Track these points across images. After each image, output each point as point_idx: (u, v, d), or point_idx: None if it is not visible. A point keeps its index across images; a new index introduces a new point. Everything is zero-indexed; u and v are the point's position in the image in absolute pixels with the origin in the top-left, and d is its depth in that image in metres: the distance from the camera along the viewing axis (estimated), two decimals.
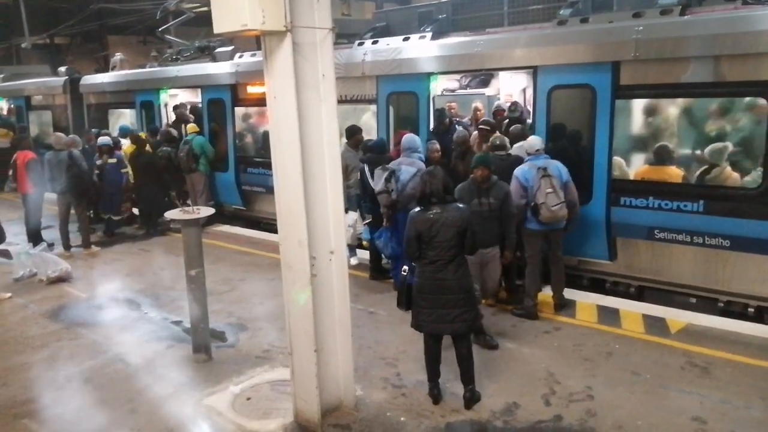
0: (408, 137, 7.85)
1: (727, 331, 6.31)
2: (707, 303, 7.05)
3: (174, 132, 12.40)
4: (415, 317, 5.18)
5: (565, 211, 6.67)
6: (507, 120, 8.85)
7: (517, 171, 6.80)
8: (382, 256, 8.11)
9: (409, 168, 7.45)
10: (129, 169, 11.55)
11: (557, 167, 6.76)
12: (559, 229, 6.84)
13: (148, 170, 11.44)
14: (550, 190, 6.57)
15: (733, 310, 6.87)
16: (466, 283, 5.08)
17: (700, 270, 6.97)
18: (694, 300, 7.12)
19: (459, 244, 4.99)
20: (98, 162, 11.33)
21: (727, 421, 4.81)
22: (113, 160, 11.38)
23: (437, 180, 5.05)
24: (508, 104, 9.42)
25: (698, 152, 6.85)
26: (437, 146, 8.07)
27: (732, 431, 4.69)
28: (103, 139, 11.61)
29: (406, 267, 5.34)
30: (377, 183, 7.54)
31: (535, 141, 6.94)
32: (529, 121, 8.49)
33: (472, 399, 5.13)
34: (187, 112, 13.16)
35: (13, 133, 15.93)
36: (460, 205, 5.18)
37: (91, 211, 11.59)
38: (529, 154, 6.88)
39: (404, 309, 5.30)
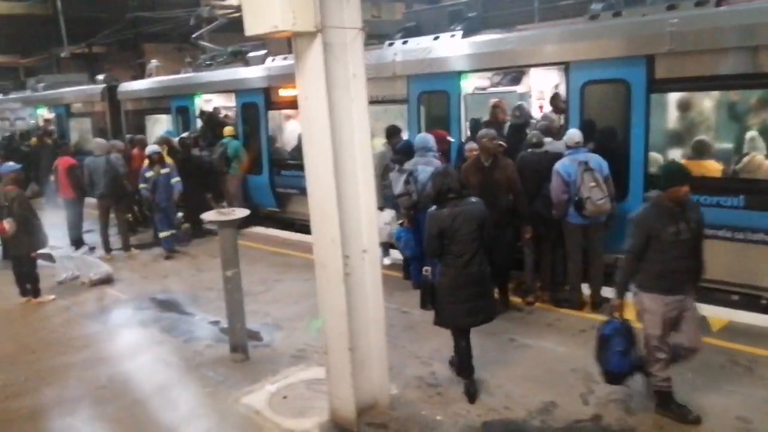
0: (421, 137, 7.84)
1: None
2: (750, 300, 6.87)
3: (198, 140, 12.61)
4: (441, 314, 5.28)
5: (609, 205, 6.59)
6: (509, 125, 8.69)
7: (558, 165, 6.72)
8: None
9: (426, 168, 7.39)
10: (179, 178, 10.59)
11: (598, 161, 6.70)
12: (599, 224, 6.76)
13: (193, 174, 11.41)
14: (593, 184, 6.52)
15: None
16: (488, 274, 5.29)
17: (743, 266, 6.79)
18: (736, 297, 6.94)
19: (480, 237, 5.14)
20: (148, 174, 10.38)
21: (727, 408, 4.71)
22: (166, 170, 10.48)
23: (452, 177, 5.22)
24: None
25: (736, 146, 6.69)
26: (474, 145, 7.26)
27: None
28: (152, 148, 10.72)
29: (428, 267, 5.46)
30: (396, 185, 7.56)
31: (574, 134, 6.85)
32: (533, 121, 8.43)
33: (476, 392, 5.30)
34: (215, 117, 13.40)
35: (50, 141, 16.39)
36: (474, 199, 5.29)
37: (130, 214, 11.83)
38: (568, 147, 6.79)
39: (429, 308, 5.38)
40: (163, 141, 11.63)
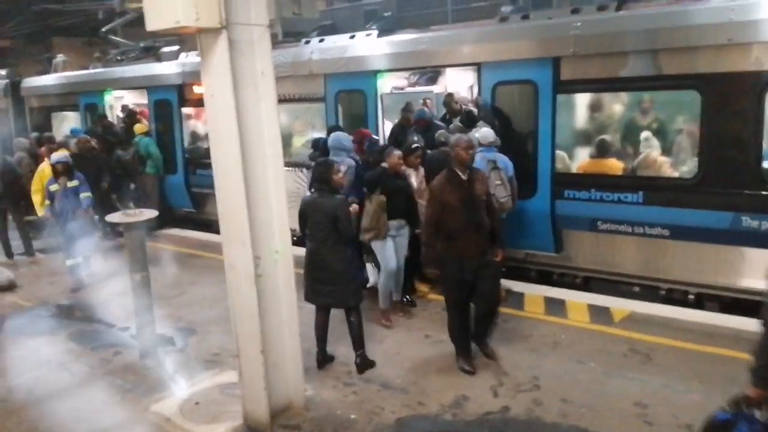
0: (334, 136, 7.78)
1: (669, 318, 6.50)
2: (650, 291, 7.26)
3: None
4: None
5: (511, 204, 6.83)
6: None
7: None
8: None
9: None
10: (90, 193, 8.87)
11: (504, 161, 6.95)
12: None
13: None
14: (498, 182, 6.80)
15: (675, 297, 7.10)
16: (341, 267, 5.55)
17: (643, 259, 7.16)
18: (637, 289, 7.31)
19: (332, 229, 5.48)
20: (53, 187, 8.58)
21: (668, 404, 4.95)
22: (74, 183, 8.67)
23: (323, 170, 5.60)
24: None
25: (636, 144, 7.05)
26: (398, 152, 6.79)
27: (673, 414, 4.81)
28: (58, 156, 8.84)
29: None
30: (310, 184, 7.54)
31: (488, 133, 7.08)
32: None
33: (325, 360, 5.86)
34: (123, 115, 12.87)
35: None
36: (338, 197, 5.59)
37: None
38: (481, 145, 6.95)
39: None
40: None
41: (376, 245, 6.60)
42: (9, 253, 10.11)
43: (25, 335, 7.09)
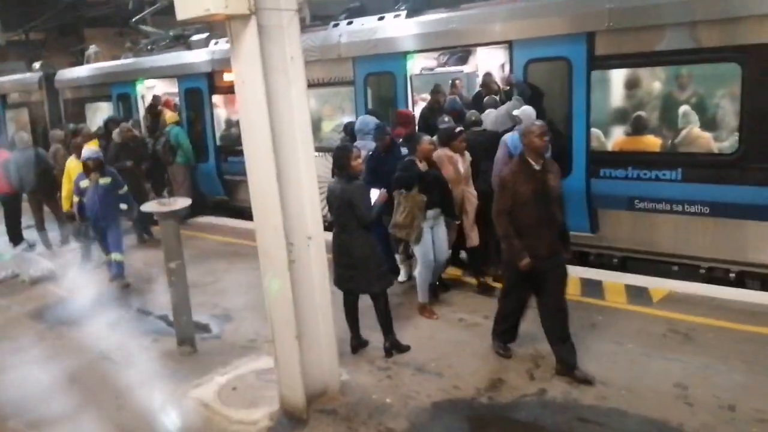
0: (361, 119, 7.80)
1: (709, 297, 6.35)
2: (690, 271, 7.09)
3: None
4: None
5: None
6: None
7: (507, 137, 6.84)
8: None
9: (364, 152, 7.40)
10: (126, 188, 8.67)
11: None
12: None
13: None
14: None
15: (715, 276, 6.93)
16: (365, 253, 5.51)
17: (682, 238, 6.99)
18: (676, 268, 7.15)
19: (350, 215, 5.45)
20: (83, 183, 8.29)
21: (709, 385, 4.85)
22: (106, 180, 8.33)
23: (343, 156, 5.53)
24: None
25: (674, 120, 6.86)
26: (429, 138, 6.53)
27: (714, 395, 4.72)
28: (89, 152, 8.47)
29: None
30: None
31: (530, 111, 6.90)
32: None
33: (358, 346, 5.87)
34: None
35: None
36: (357, 182, 5.55)
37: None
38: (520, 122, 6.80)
39: None
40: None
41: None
42: (47, 244, 10.34)
43: (66, 324, 7.25)
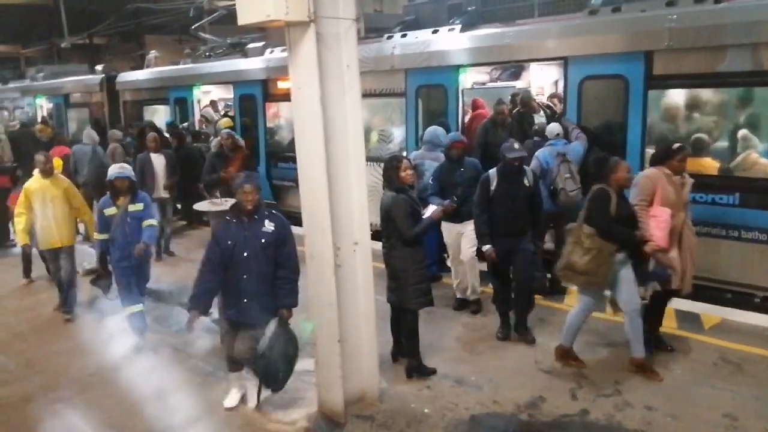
0: (431, 130, 7.77)
1: (764, 327, 6.13)
2: (744, 299, 6.86)
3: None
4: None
5: (580, 197, 6.70)
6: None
7: (539, 153, 7.05)
8: None
9: (432, 163, 7.38)
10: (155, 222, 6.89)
11: (576, 151, 7.05)
12: (568, 213, 6.80)
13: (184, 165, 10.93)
14: (568, 175, 6.82)
15: None
16: (394, 265, 5.48)
17: (738, 264, 6.77)
18: (729, 296, 6.93)
19: (387, 227, 5.46)
20: (108, 210, 6.50)
21: (761, 418, 4.68)
22: (137, 207, 6.55)
23: (391, 169, 5.45)
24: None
25: (734, 143, 6.68)
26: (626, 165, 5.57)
27: (765, 429, 4.55)
28: (117, 170, 6.56)
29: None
30: None
31: (553, 127, 7.22)
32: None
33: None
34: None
35: (50, 129, 16.26)
36: (397, 194, 5.40)
37: None
38: (548, 140, 7.12)
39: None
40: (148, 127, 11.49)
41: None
42: None
43: (113, 316, 7.41)
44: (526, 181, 6.06)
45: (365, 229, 4.93)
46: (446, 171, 6.89)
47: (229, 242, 4.83)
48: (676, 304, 6.76)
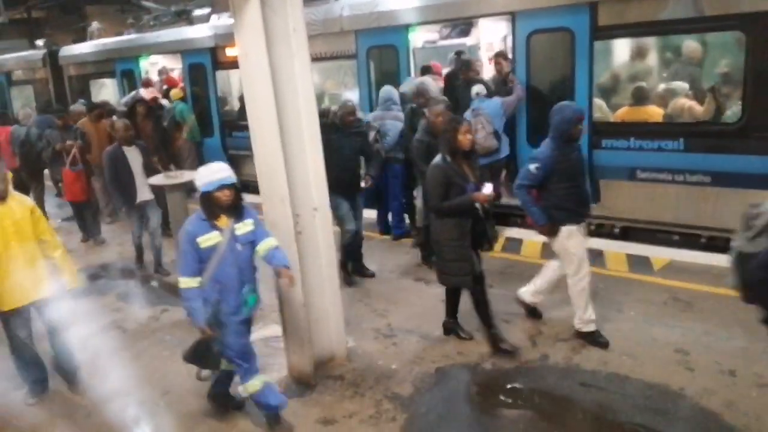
0: (386, 89, 7.82)
1: (710, 266, 6.41)
2: (691, 240, 7.15)
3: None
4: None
5: (492, 142, 7.19)
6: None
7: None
8: None
9: (395, 123, 7.46)
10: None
11: (493, 106, 7.43)
12: (497, 162, 7.50)
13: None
14: (479, 126, 7.16)
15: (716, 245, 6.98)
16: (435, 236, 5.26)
17: (683, 207, 7.03)
18: (677, 237, 7.21)
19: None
20: (205, 241, 4.05)
21: (710, 351, 4.95)
22: (246, 226, 4.11)
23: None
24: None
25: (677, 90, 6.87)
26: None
27: (715, 361, 4.82)
28: (220, 171, 4.18)
29: None
30: None
31: (475, 87, 7.64)
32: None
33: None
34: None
35: None
36: (437, 158, 5.11)
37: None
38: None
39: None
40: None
41: None
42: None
43: (76, 295, 7.34)
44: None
45: (323, 194, 4.96)
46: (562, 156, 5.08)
47: None
48: (626, 247, 7.05)
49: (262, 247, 4.27)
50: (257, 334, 5.85)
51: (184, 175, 6.27)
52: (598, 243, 7.30)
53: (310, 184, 4.85)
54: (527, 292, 5.64)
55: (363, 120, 7.04)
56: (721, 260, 6.37)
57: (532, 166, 4.99)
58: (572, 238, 5.08)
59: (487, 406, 4.59)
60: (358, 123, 6.73)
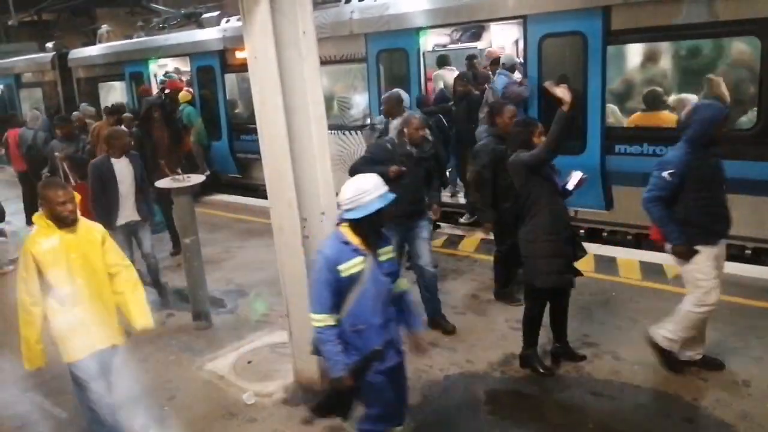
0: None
1: (725, 274, 6.28)
2: None
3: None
4: None
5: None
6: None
7: None
8: None
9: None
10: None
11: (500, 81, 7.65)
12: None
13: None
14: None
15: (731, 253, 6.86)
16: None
17: None
18: None
19: None
20: (348, 268, 3.27)
21: (724, 361, 4.83)
22: (388, 253, 3.47)
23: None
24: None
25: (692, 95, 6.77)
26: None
27: (728, 371, 4.72)
28: (382, 191, 3.33)
29: None
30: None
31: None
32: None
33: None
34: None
35: None
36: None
37: None
38: None
39: None
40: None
41: None
42: None
43: None
44: None
45: (331, 198, 4.89)
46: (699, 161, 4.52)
47: None
48: (641, 256, 6.95)
49: (403, 282, 3.69)
50: (263, 340, 5.84)
51: (191, 179, 6.22)
52: (610, 250, 7.22)
53: (318, 189, 4.77)
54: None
55: (429, 139, 5.86)
56: (736, 269, 6.36)
57: (665, 173, 4.33)
58: (701, 262, 4.46)
59: (496, 415, 4.50)
60: (425, 143, 5.63)
